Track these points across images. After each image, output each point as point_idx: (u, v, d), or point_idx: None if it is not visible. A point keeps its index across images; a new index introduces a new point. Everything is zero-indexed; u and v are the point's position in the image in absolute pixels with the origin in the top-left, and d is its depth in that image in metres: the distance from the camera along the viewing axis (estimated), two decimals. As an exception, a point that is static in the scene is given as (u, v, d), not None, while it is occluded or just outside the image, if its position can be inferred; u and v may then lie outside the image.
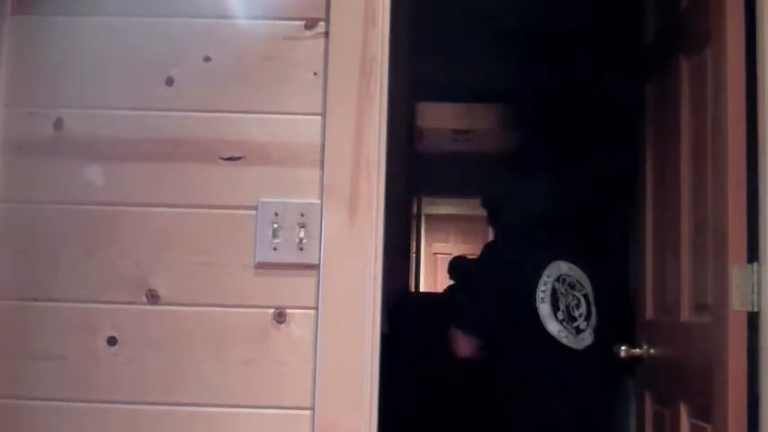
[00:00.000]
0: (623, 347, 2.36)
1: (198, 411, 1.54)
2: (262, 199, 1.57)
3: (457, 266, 6.11)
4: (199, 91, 1.61)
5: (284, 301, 1.55)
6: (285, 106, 1.60)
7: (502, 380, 2.62)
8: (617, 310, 2.73)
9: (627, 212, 2.99)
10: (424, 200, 8.00)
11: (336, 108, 1.58)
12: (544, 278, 2.57)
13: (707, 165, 1.91)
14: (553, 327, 2.53)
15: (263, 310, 1.55)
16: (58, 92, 1.61)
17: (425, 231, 8.92)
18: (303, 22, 1.61)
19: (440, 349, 2.75)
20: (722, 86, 1.82)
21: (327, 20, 1.60)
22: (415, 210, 6.85)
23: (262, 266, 1.56)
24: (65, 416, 1.54)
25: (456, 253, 6.97)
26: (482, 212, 3.02)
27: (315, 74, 1.60)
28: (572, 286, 2.61)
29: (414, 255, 6.89)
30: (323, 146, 1.57)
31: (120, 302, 1.56)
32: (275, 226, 1.56)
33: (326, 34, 1.60)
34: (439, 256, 9.59)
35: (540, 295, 2.54)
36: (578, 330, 2.57)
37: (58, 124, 1.60)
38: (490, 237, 3.73)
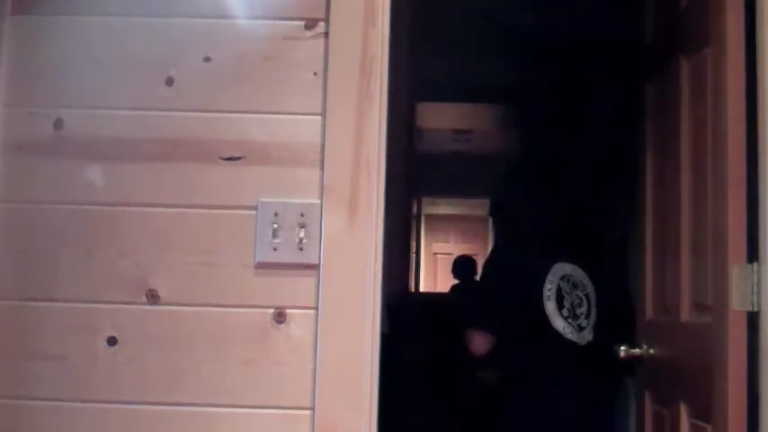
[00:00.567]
0: (623, 347, 2.37)
1: (198, 411, 1.54)
2: (262, 199, 1.57)
3: (461, 266, 6.11)
4: (199, 91, 1.60)
5: (284, 301, 1.55)
6: (285, 106, 1.60)
7: (510, 372, 2.74)
8: (616, 310, 2.79)
9: (627, 213, 3.00)
10: (424, 200, 8.01)
11: (336, 108, 1.58)
12: (550, 277, 2.70)
13: (707, 165, 1.91)
14: (559, 323, 2.66)
15: (263, 310, 1.55)
16: (58, 92, 1.61)
17: (425, 231, 8.93)
18: (303, 22, 1.61)
19: (439, 349, 2.79)
20: (722, 86, 1.82)
21: (327, 20, 1.60)
22: (415, 210, 6.85)
23: (262, 266, 1.56)
24: (65, 416, 1.54)
25: (456, 253, 6.97)
26: (482, 212, 3.12)
27: (315, 74, 1.60)
28: (575, 286, 2.74)
29: (414, 255, 6.89)
30: (323, 146, 1.57)
31: (120, 302, 1.56)
32: (275, 226, 1.56)
33: (326, 34, 1.60)
34: (439, 256, 9.60)
35: (546, 294, 2.67)
36: (580, 328, 2.70)
37: (58, 124, 1.60)
38: (490, 237, 3.75)
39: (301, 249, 1.55)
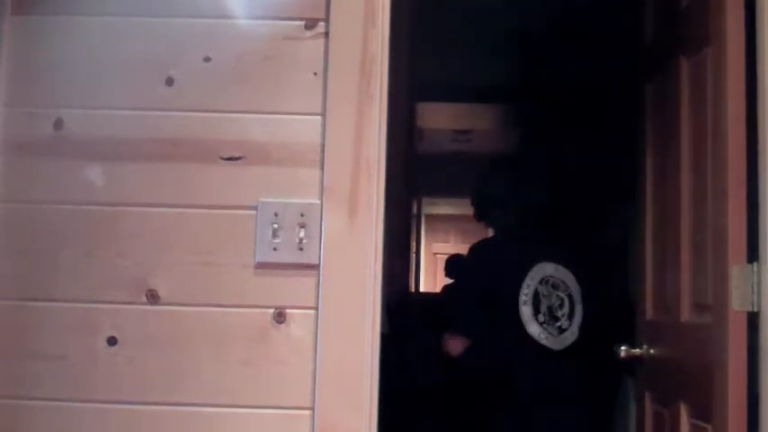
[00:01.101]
0: (623, 347, 2.37)
1: (198, 411, 1.54)
2: (262, 199, 1.57)
3: (452, 264, 6.11)
4: (199, 91, 1.60)
5: (284, 301, 1.55)
6: (285, 106, 1.60)
7: (487, 376, 2.72)
8: (611, 309, 2.77)
9: (627, 213, 2.99)
10: (424, 200, 8.00)
11: (336, 108, 1.58)
12: (527, 281, 2.65)
13: (707, 164, 1.91)
14: (534, 329, 2.62)
15: (263, 310, 1.55)
16: (58, 92, 1.61)
17: (425, 231, 8.93)
18: (303, 22, 1.61)
19: (439, 348, 2.78)
20: (722, 86, 1.82)
21: (327, 20, 1.60)
22: (415, 210, 6.84)
23: (262, 266, 1.56)
24: (65, 416, 1.54)
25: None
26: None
27: (315, 74, 1.60)
28: (555, 287, 2.69)
29: (414, 255, 6.89)
30: (323, 146, 1.57)
31: (120, 302, 1.56)
32: (275, 226, 1.56)
33: (326, 34, 1.60)
34: (439, 256, 9.58)
35: (522, 298, 2.63)
36: (561, 330, 2.65)
37: (58, 124, 1.60)
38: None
39: (301, 249, 1.55)
